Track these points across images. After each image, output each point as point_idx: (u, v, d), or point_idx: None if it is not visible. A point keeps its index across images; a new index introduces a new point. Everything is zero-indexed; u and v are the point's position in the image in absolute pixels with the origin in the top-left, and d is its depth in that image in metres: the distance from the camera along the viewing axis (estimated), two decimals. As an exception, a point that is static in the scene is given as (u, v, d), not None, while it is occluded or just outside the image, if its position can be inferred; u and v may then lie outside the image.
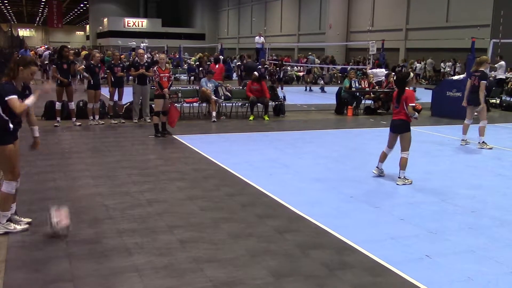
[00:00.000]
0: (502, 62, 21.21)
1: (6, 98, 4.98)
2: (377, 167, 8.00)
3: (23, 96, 5.17)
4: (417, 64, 32.96)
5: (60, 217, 5.10)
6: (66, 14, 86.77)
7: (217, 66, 17.90)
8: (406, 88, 7.56)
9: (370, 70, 18.21)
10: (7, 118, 5.08)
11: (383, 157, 7.94)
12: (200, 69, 18.37)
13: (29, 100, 5.13)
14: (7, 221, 5.22)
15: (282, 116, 14.97)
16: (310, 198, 6.76)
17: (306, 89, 26.06)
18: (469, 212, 6.33)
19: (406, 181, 7.52)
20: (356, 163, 8.69)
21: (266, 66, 22.18)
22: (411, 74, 7.81)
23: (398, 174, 7.58)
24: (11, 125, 5.12)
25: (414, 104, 7.45)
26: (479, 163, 9.32)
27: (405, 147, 7.58)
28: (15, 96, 5.00)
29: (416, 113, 7.56)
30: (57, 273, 4.33)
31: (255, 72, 15.05)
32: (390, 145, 7.86)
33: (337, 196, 6.91)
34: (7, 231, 5.16)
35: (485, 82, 10.49)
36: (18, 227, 5.24)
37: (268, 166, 8.50)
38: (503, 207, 6.57)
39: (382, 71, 18.00)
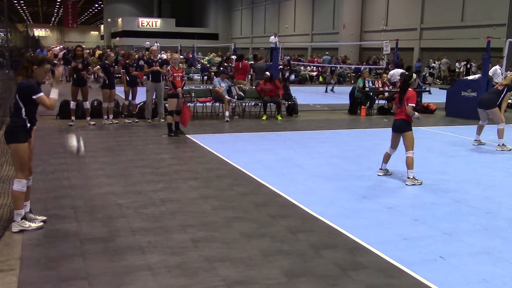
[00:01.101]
0: None
1: (34, 97, 5.08)
2: (380, 168, 8.01)
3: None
4: (432, 64, 32.72)
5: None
6: (81, 14, 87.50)
7: (240, 65, 17.67)
8: (409, 89, 7.58)
9: (392, 72, 18.04)
10: (25, 117, 5.18)
11: (387, 157, 7.96)
12: (221, 68, 18.26)
13: (54, 94, 5.27)
14: (22, 219, 5.27)
15: (295, 116, 14.95)
16: (323, 198, 6.75)
17: (327, 90, 24.90)
18: (484, 213, 6.27)
19: (416, 181, 7.47)
20: (369, 163, 8.65)
21: (281, 66, 22.02)
22: (414, 76, 7.79)
23: (407, 175, 7.54)
24: (28, 124, 5.21)
25: (413, 105, 7.51)
26: (494, 163, 9.23)
27: (408, 146, 7.55)
28: (42, 94, 5.12)
29: (416, 113, 7.64)
30: (71, 271, 4.36)
31: (267, 72, 15.03)
32: (393, 145, 7.87)
33: (350, 196, 6.88)
34: (22, 229, 5.22)
35: (510, 92, 10.55)
36: (33, 225, 5.29)
37: (281, 166, 8.49)
38: (518, 208, 6.49)
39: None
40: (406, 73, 9.33)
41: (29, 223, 5.30)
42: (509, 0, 27.87)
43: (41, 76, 5.30)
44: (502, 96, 10.41)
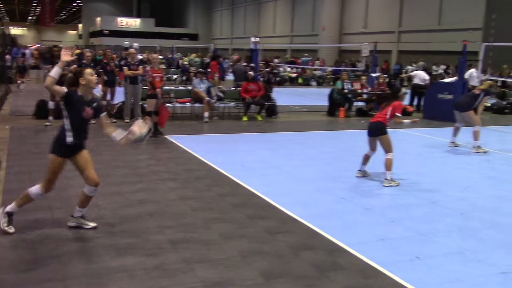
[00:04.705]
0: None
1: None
2: (359, 169, 8.06)
3: (89, 103, 5.23)
4: (409, 67, 33.07)
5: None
6: (59, 12, 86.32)
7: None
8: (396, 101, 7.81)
9: (415, 72, 18.48)
10: (66, 128, 5.13)
11: (366, 159, 8.02)
12: (208, 70, 18.12)
13: (53, 71, 5.04)
14: (6, 215, 5.19)
15: (274, 117, 14.99)
16: (301, 199, 6.78)
17: None
18: (459, 214, 6.37)
19: (393, 182, 7.55)
20: (347, 165, 8.72)
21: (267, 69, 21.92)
22: (402, 90, 8.01)
23: (385, 176, 7.63)
24: (68, 139, 5.14)
25: (399, 114, 7.72)
26: (469, 165, 9.38)
27: (387, 149, 7.63)
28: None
29: (406, 120, 7.95)
30: (48, 273, 4.31)
31: (250, 72, 15.05)
32: (372, 148, 7.93)
33: (329, 197, 6.93)
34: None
35: (487, 97, 10.98)
36: (4, 226, 5.15)
37: (260, 167, 8.51)
38: (492, 209, 6.62)
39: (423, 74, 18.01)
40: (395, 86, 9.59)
41: (5, 222, 5.19)
42: (484, 5, 28.37)
43: (91, 83, 5.20)
44: (478, 100, 10.61)
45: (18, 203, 5.25)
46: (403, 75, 25.62)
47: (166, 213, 5.98)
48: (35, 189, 5.22)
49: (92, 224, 5.40)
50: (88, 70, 5.24)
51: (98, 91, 13.31)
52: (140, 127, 5.38)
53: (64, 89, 5.09)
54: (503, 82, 21.71)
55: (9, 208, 5.23)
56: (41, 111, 12.70)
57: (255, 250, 4.95)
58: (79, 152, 5.31)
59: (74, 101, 5.12)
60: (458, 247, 5.25)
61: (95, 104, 5.33)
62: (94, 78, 5.24)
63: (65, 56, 5.05)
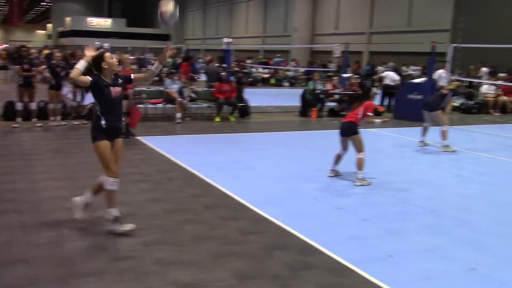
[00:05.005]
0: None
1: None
2: (331, 169, 8.12)
3: (114, 85, 5.24)
4: (379, 68, 33.50)
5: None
6: (27, 12, 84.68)
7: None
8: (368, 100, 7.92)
9: (385, 73, 18.70)
10: (99, 114, 5.17)
11: (337, 159, 8.08)
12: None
13: (79, 64, 5.10)
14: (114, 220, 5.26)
15: (247, 118, 14.99)
16: (274, 199, 6.79)
17: None
18: (429, 212, 6.48)
19: (364, 182, 7.63)
20: (319, 165, 8.78)
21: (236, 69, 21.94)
22: (373, 90, 8.15)
23: (356, 175, 7.70)
24: (103, 122, 5.16)
25: (371, 114, 7.84)
26: (438, 164, 9.55)
27: (359, 149, 7.72)
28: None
29: (377, 120, 8.06)
30: (15, 278, 4.22)
31: (223, 73, 15.01)
32: (343, 148, 8.01)
33: (301, 197, 6.96)
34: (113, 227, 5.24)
35: (455, 97, 11.33)
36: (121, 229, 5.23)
37: (233, 168, 8.50)
38: (461, 207, 6.76)
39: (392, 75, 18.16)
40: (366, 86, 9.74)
41: (118, 227, 5.23)
42: (452, 7, 28.92)
43: (113, 66, 5.24)
44: (445, 99, 10.80)
45: (108, 203, 5.27)
46: (376, 76, 25.92)
47: (138, 215, 5.91)
48: (104, 181, 5.24)
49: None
50: (108, 54, 5.28)
51: (67, 92, 13.13)
52: (165, 4, 5.47)
53: (89, 78, 5.11)
54: (470, 82, 22.17)
55: (110, 212, 5.26)
56: (9, 112, 12.42)
57: (227, 251, 4.94)
58: (115, 141, 5.31)
59: (100, 86, 5.16)
60: (428, 244, 5.33)
61: (120, 81, 5.36)
62: (115, 60, 5.30)
63: (89, 51, 5.18)
